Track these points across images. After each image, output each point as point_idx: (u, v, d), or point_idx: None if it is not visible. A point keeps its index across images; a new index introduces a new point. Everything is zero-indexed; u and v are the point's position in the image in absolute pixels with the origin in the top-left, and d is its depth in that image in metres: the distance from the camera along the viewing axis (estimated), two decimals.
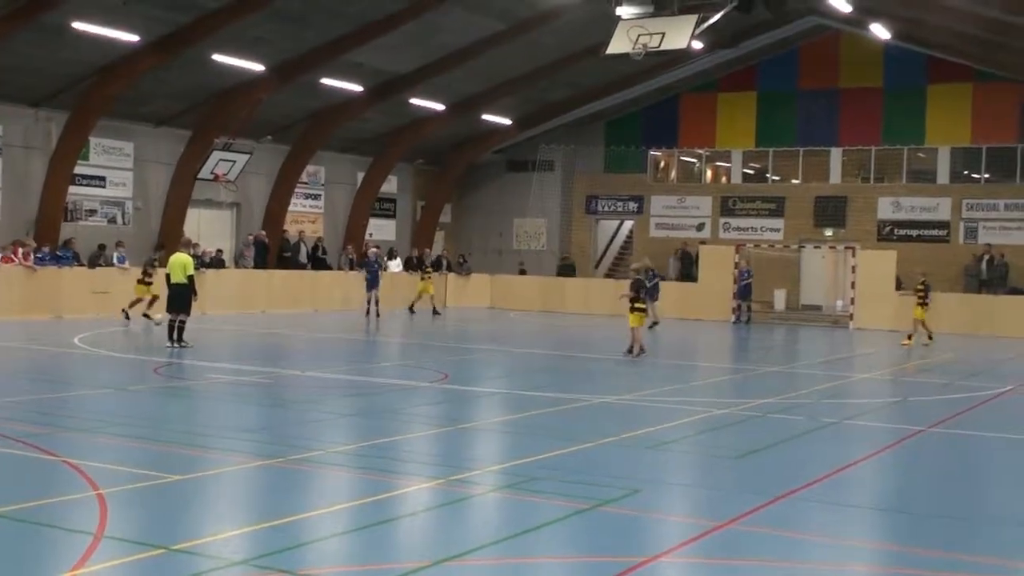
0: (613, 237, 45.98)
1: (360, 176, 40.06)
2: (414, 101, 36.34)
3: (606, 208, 44.02)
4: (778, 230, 40.66)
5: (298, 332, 26.47)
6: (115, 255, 29.54)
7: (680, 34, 24.83)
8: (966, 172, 38.88)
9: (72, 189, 30.38)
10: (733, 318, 35.49)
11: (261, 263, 34.27)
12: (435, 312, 34.28)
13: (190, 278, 21.00)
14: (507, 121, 40.88)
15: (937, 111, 38.59)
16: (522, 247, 44.55)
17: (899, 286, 35.06)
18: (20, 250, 27.23)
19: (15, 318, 25.64)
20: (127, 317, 26.49)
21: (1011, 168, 37.82)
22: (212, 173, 32.87)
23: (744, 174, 42.18)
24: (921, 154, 39.46)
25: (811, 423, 14.07)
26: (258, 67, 30.51)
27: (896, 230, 38.97)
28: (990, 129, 37.80)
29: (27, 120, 29.76)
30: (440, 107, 37.52)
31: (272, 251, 35.38)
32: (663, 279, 34.64)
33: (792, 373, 21.69)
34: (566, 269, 41.94)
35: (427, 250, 38.98)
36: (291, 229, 37.39)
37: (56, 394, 14.85)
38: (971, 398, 17.30)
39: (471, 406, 15.43)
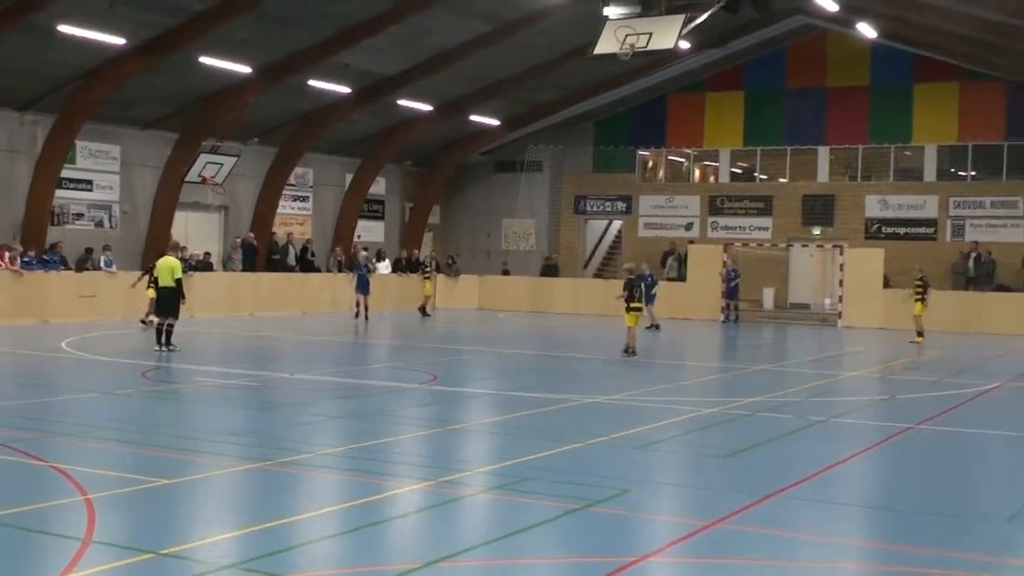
0: (602, 237, 45.99)
1: (348, 178, 40.02)
2: (402, 102, 36.31)
3: (595, 208, 44.04)
4: (766, 229, 40.72)
5: (287, 335, 26.43)
6: (102, 259, 29.47)
7: (667, 34, 24.84)
8: (953, 170, 38.98)
9: (59, 193, 30.27)
10: (722, 317, 35.53)
11: (249, 266, 34.20)
12: (424, 313, 34.28)
13: (178, 282, 20.97)
14: (495, 122, 40.88)
15: (924, 109, 38.69)
16: (511, 248, 44.56)
17: (887, 284, 35.16)
18: (6, 254, 27.12)
19: (1, 323, 25.54)
20: (144, 323, 26.07)
21: (997, 166, 37.93)
22: (199, 176, 32.78)
23: (732, 173, 42.23)
24: (908, 152, 39.56)
25: (799, 421, 14.09)
26: (245, 69, 30.45)
27: (883, 228, 39.06)
28: (976, 127, 37.91)
29: (12, 124, 29.66)
30: (428, 108, 37.50)
31: (260, 254, 35.31)
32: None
33: (780, 372, 21.72)
34: (549, 269, 41.94)
35: (423, 251, 39.05)
36: (279, 231, 37.33)
37: (43, 399, 14.79)
38: (958, 395, 17.35)
39: (461, 407, 15.43)
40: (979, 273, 35.96)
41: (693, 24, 25.40)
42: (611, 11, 25.63)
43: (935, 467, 11.71)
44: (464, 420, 14.18)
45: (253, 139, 35.45)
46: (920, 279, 28.01)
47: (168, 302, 20.95)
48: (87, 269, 29.26)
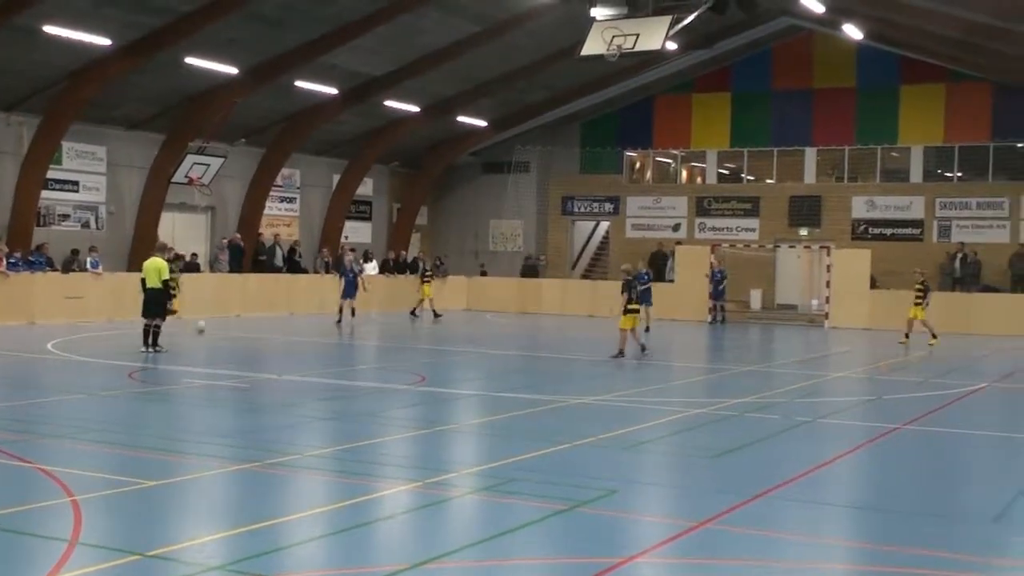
0: (589, 238, 46.03)
1: (336, 179, 39.97)
2: (389, 103, 36.28)
3: (582, 209, 44.08)
4: (753, 230, 40.80)
5: (274, 336, 26.39)
6: (88, 260, 29.39)
7: (654, 35, 24.90)
8: (939, 171, 39.12)
9: (44, 194, 30.16)
10: (709, 318, 35.57)
11: (236, 267, 34.14)
12: (413, 314, 34.26)
13: (165, 283, 20.94)
14: (483, 123, 40.88)
15: (910, 111, 38.81)
16: (498, 248, 44.57)
17: (874, 285, 35.27)
18: None
19: None
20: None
21: (983, 167, 38.07)
22: (186, 177, 32.71)
23: (719, 174, 42.31)
24: (895, 153, 39.68)
25: (786, 422, 14.12)
26: (232, 70, 30.40)
27: (870, 229, 39.17)
28: (962, 128, 38.04)
29: None
30: (416, 109, 37.48)
31: (247, 255, 35.25)
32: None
33: (768, 372, 21.76)
34: (529, 270, 41.94)
35: (410, 252, 38.90)
36: (266, 232, 37.27)
37: (29, 400, 14.73)
38: (945, 395, 17.40)
39: (448, 408, 15.42)
40: (965, 274, 36.09)
41: (680, 25, 25.46)
42: (598, 12, 25.68)
43: (921, 467, 11.75)
44: (452, 421, 14.17)
45: (240, 140, 35.40)
46: (921, 282, 28.05)
47: (155, 304, 20.91)
48: (73, 270, 29.18)
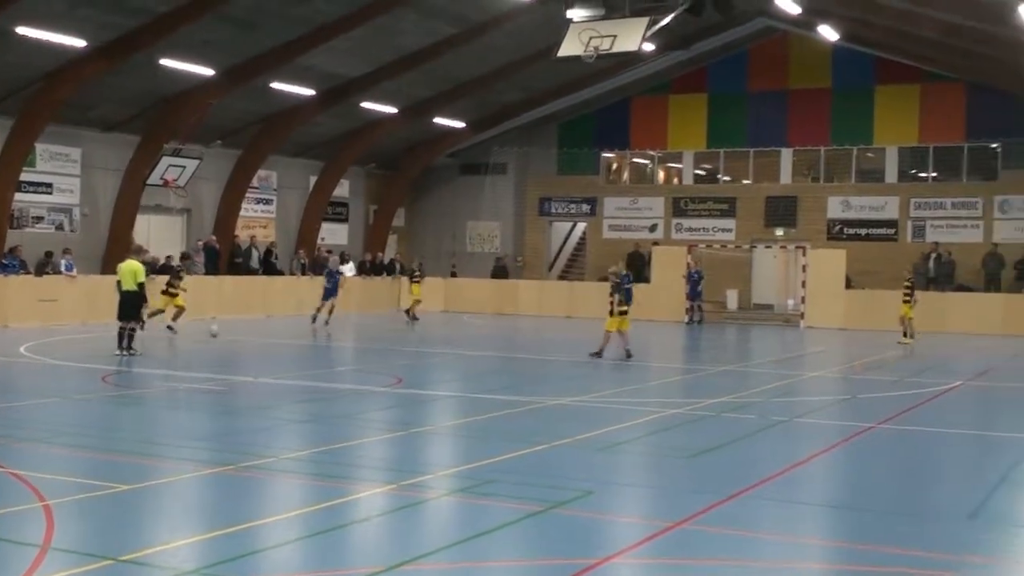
0: (566, 239, 46.06)
1: (312, 180, 39.86)
2: (366, 105, 36.21)
3: (559, 210, 44.10)
4: (730, 230, 40.91)
5: (250, 338, 26.28)
6: (62, 262, 29.19)
7: (631, 36, 24.93)
8: (913, 171, 39.33)
9: (18, 196, 29.93)
10: (686, 319, 35.62)
11: (212, 269, 33.99)
12: (414, 318, 33.87)
13: (140, 285, 20.83)
14: (460, 124, 40.85)
15: (885, 111, 39.00)
16: (476, 250, 44.53)
17: (849, 285, 35.42)
18: None
19: None
20: (172, 329, 25.24)
21: (957, 167, 38.29)
22: (162, 179, 32.58)
23: (695, 175, 42.43)
24: (870, 154, 39.86)
25: (763, 421, 14.15)
26: (207, 71, 30.27)
27: (846, 229, 39.34)
28: (937, 129, 38.26)
29: None
30: (392, 111, 37.42)
31: (223, 257, 35.11)
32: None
33: (744, 372, 21.82)
34: (500, 271, 41.92)
35: (387, 253, 38.77)
36: (242, 234, 37.12)
37: (2, 404, 14.61)
38: (919, 394, 17.49)
39: (425, 410, 15.39)
40: (939, 273, 36.29)
41: (657, 27, 25.51)
42: (575, 13, 25.70)
43: (896, 466, 11.79)
44: (428, 423, 14.14)
45: (216, 141, 35.26)
46: (909, 280, 28.18)
47: (130, 306, 20.79)
48: (47, 273, 28.98)
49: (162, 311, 25.16)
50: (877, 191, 39.09)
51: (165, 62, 28.99)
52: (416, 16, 30.34)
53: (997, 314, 33.28)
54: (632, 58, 31.39)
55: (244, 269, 35.86)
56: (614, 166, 44.06)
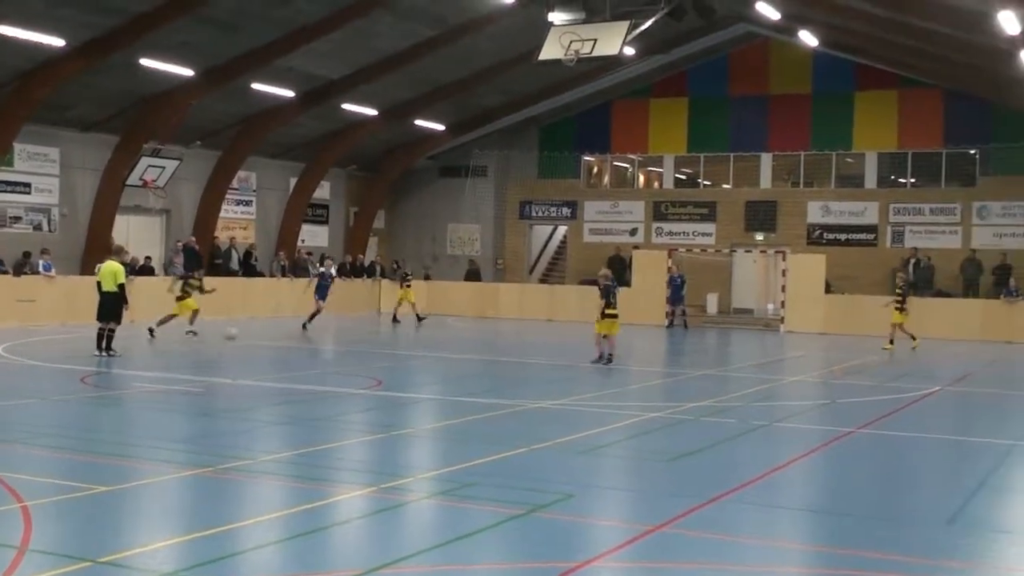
0: (547, 242, 46.08)
1: (292, 182, 39.77)
2: (347, 106, 36.16)
3: (540, 213, 44.12)
4: (710, 234, 41.01)
5: (230, 340, 26.17)
6: (40, 263, 29.05)
7: (612, 40, 24.98)
8: (893, 177, 39.50)
9: None
10: (667, 322, 35.68)
11: (192, 270, 33.77)
12: (419, 319, 33.81)
13: (121, 286, 20.73)
14: (440, 127, 40.84)
15: (864, 117, 39.18)
16: (456, 252, 44.51)
17: (828, 289, 35.54)
18: None
19: None
20: (193, 332, 25.39)
21: (936, 173, 38.48)
22: (141, 179, 32.45)
23: (676, 179, 42.53)
24: (849, 159, 40.03)
25: (742, 426, 14.18)
26: (187, 72, 30.17)
27: (825, 234, 39.48)
28: (915, 135, 38.46)
29: None
30: (373, 113, 37.38)
31: (203, 258, 34.94)
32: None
33: (724, 376, 21.87)
34: (473, 274, 41.89)
35: (367, 256, 38.67)
36: (222, 235, 37.00)
37: None
38: (899, 399, 17.56)
39: (405, 412, 15.36)
40: (918, 279, 36.43)
41: (638, 31, 25.57)
42: (556, 17, 25.74)
43: (875, 471, 11.82)
44: (408, 425, 14.11)
45: (195, 142, 35.15)
46: (901, 287, 28.29)
47: (110, 307, 20.70)
48: (25, 273, 28.84)
49: (197, 310, 25.18)
50: (857, 196, 39.25)
51: (145, 62, 28.88)
52: (395, 18, 30.31)
53: (975, 319, 33.49)
54: (613, 62, 31.44)
55: (224, 270, 35.73)
56: (595, 170, 44.12)
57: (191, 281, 26.05)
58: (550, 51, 25.75)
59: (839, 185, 39.83)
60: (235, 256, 36.52)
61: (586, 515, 9.15)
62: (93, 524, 8.35)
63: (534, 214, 44.19)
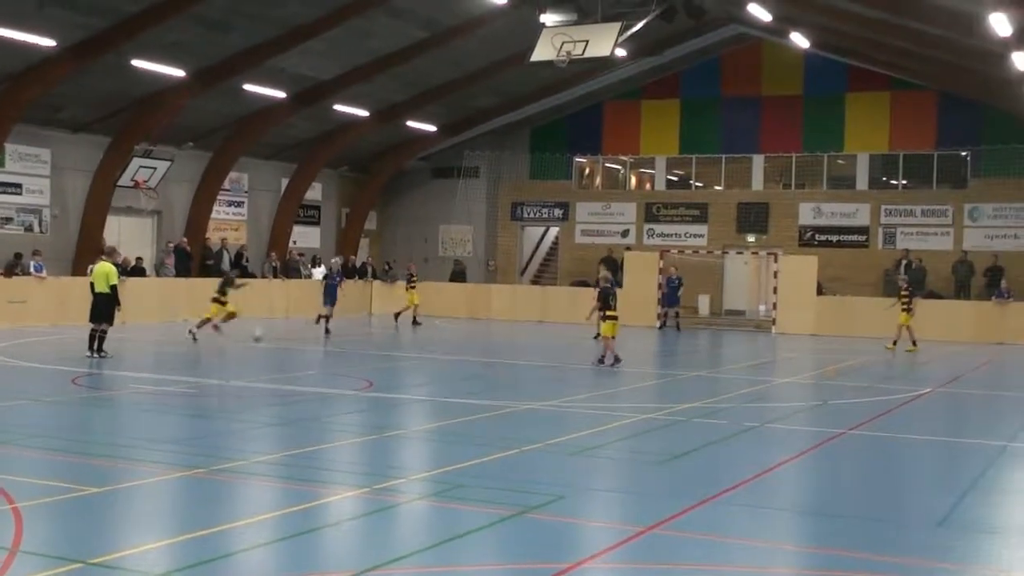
0: (539, 244, 46.09)
1: (284, 183, 39.73)
2: (338, 108, 36.15)
3: (531, 215, 44.13)
4: (702, 236, 41.05)
5: (221, 341, 26.14)
6: (32, 264, 28.98)
7: (604, 42, 25.02)
8: (884, 179, 39.58)
9: None
10: (658, 324, 35.67)
11: (183, 271, 33.81)
12: (415, 322, 33.72)
13: (113, 288, 20.69)
14: (432, 128, 40.84)
15: (856, 118, 39.25)
16: (448, 254, 44.48)
17: (820, 291, 35.58)
18: None
19: None
20: (216, 330, 25.27)
21: (927, 174, 38.56)
22: (132, 180, 32.41)
23: (668, 181, 42.55)
24: (841, 161, 40.09)
25: (734, 427, 14.19)
26: (179, 72, 30.13)
27: (817, 236, 39.54)
28: (907, 136, 38.53)
29: None
30: (365, 114, 37.37)
31: (194, 259, 34.93)
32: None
33: (715, 378, 21.89)
34: (458, 275, 41.89)
35: (359, 257, 38.60)
36: (213, 237, 36.95)
37: None
38: (890, 401, 17.58)
39: (396, 414, 15.36)
40: (910, 280, 36.44)
41: (629, 32, 25.61)
42: (548, 18, 25.78)
43: (867, 472, 11.85)
44: (399, 427, 14.10)
45: (187, 143, 35.10)
46: (906, 289, 28.38)
47: (103, 308, 20.66)
48: (16, 274, 28.76)
49: (209, 319, 25.27)
50: (848, 198, 39.31)
51: (136, 63, 28.84)
52: (388, 19, 30.30)
53: (967, 321, 33.56)
54: (605, 63, 31.49)
55: (215, 272, 35.64)
56: (587, 171, 44.15)
57: (230, 283, 26.04)
58: (542, 52, 25.78)
59: (831, 187, 39.88)
60: (226, 257, 36.46)
61: (577, 516, 9.15)
62: (85, 525, 8.34)
63: (526, 215, 44.20)
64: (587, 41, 25.06)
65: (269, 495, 9.74)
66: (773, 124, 40.08)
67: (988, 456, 12.68)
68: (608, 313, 21.58)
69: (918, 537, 8.80)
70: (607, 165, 43.76)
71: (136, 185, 32.52)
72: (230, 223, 38.38)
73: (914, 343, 27.96)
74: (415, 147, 42.56)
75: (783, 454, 12.31)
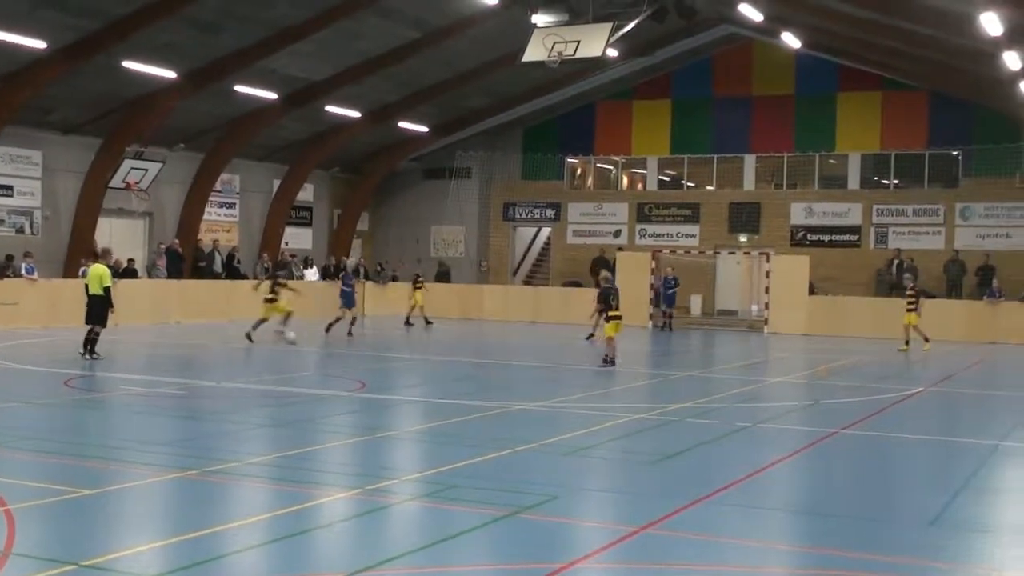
0: (531, 244, 46.09)
1: (276, 184, 39.70)
2: (330, 109, 36.13)
3: (523, 215, 44.14)
4: (694, 236, 41.09)
5: (213, 343, 26.12)
6: (23, 266, 28.93)
7: (595, 42, 25.03)
8: (876, 178, 39.65)
9: None
10: (650, 324, 35.67)
11: (175, 273, 33.76)
12: (407, 323, 33.68)
13: (106, 290, 20.65)
14: (424, 129, 40.83)
15: (847, 118, 39.32)
16: (440, 254, 44.47)
17: (812, 291, 35.62)
18: None
19: None
20: (251, 339, 25.20)
21: (919, 174, 38.64)
22: (124, 182, 32.36)
23: (660, 181, 42.59)
24: (832, 160, 40.15)
25: (726, 427, 14.20)
26: (170, 74, 30.10)
27: (809, 235, 39.59)
28: (899, 136, 38.60)
29: None
30: (356, 115, 37.35)
31: (186, 261, 34.88)
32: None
33: (708, 377, 21.91)
34: (443, 276, 41.90)
35: (351, 258, 38.58)
36: (205, 238, 36.90)
37: None
38: (882, 400, 17.61)
39: (389, 414, 15.35)
40: (902, 280, 36.54)
41: (620, 32, 25.61)
42: (539, 19, 25.78)
43: (859, 472, 11.86)
44: (392, 428, 14.09)
45: (179, 145, 35.06)
46: (912, 289, 28.44)
47: (96, 310, 20.63)
48: (8, 276, 28.71)
49: (265, 320, 25.37)
50: (840, 198, 39.37)
51: (127, 64, 28.81)
52: (379, 20, 30.30)
53: (958, 320, 33.59)
54: (596, 64, 31.51)
55: (207, 273, 35.65)
56: (578, 171, 44.17)
57: (280, 283, 26.01)
58: (533, 53, 25.79)
59: (822, 186, 39.95)
60: (218, 258, 36.44)
61: (571, 516, 9.15)
62: (77, 527, 8.32)
63: (518, 216, 44.21)
64: (578, 41, 25.07)
65: (262, 496, 9.73)
66: (764, 124, 40.13)
67: (980, 455, 12.71)
68: (610, 313, 21.58)
69: (910, 536, 8.81)
70: (599, 165, 43.79)
71: (128, 187, 32.49)
72: (222, 224, 38.35)
73: (907, 343, 27.99)
74: (407, 148, 42.56)
75: (775, 454, 12.32)
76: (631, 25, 25.87)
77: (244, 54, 30.27)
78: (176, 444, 12.14)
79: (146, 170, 32.68)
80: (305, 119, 36.56)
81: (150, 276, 33.78)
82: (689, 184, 42.22)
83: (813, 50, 37.04)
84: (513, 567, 7.59)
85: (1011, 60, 24.97)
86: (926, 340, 27.97)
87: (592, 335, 27.81)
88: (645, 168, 42.76)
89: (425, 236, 45.05)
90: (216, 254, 36.48)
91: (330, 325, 28.95)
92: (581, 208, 42.95)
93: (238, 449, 11.87)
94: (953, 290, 36.46)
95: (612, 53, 28.55)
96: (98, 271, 20.86)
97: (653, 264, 36.32)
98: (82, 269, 27.36)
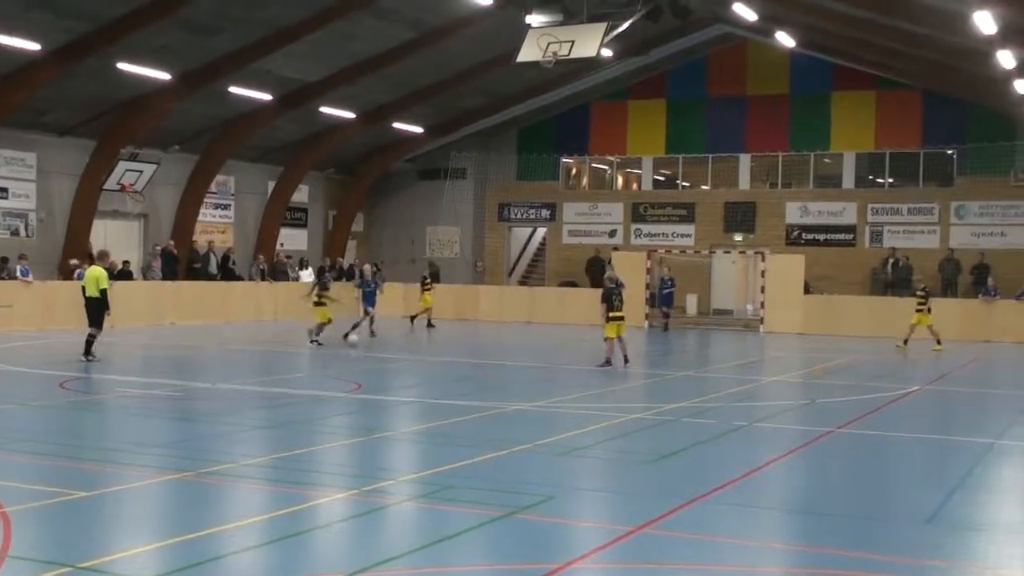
0: (526, 244, 46.09)
1: (271, 185, 39.69)
2: (325, 110, 36.11)
3: (519, 215, 44.13)
4: (689, 236, 41.10)
5: (209, 344, 26.11)
6: (18, 268, 28.88)
7: (590, 42, 25.03)
8: (871, 177, 39.68)
9: None
10: (646, 324, 35.64)
11: (170, 274, 33.73)
12: (427, 322, 33.64)
13: (103, 292, 20.64)
14: (419, 129, 40.81)
15: (842, 117, 39.34)
16: (436, 255, 44.45)
17: (807, 290, 35.63)
18: None
19: None
20: (317, 342, 25.20)
21: (913, 173, 38.67)
22: (118, 184, 32.32)
23: (655, 180, 42.59)
24: (827, 159, 40.18)
25: (723, 426, 14.21)
26: (164, 75, 30.07)
27: (804, 235, 39.61)
28: (893, 135, 38.62)
29: None
30: (351, 115, 37.33)
31: (181, 262, 34.85)
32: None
33: (704, 377, 21.92)
34: (434, 277, 41.71)
35: (346, 259, 38.54)
36: (200, 239, 36.88)
37: None
38: (878, 399, 17.62)
39: (385, 415, 15.35)
40: (896, 278, 36.61)
41: (615, 32, 25.63)
42: (534, 19, 25.79)
43: (855, 470, 11.87)
44: (389, 428, 14.10)
45: (173, 146, 35.04)
46: (922, 289, 28.48)
47: (93, 312, 20.62)
48: (2, 278, 28.67)
49: (330, 320, 25.41)
50: (835, 197, 39.39)
51: (122, 66, 28.77)
52: (373, 21, 30.27)
53: (953, 319, 33.54)
54: (591, 64, 31.51)
55: (202, 274, 35.62)
56: (573, 171, 44.18)
57: (326, 288, 26.02)
58: (528, 53, 25.79)
59: (817, 185, 39.97)
60: (213, 260, 36.41)
61: (567, 516, 9.16)
62: (73, 529, 8.31)
63: (513, 216, 44.20)
64: (573, 41, 25.07)
65: (258, 498, 9.73)
66: (759, 123, 40.15)
67: (976, 453, 12.73)
68: (612, 314, 21.52)
69: (906, 535, 8.82)
70: (594, 165, 43.79)
71: (122, 188, 32.45)
72: (217, 226, 38.32)
73: (905, 342, 28.02)
74: (402, 149, 42.54)
75: (771, 453, 12.33)
76: (625, 25, 25.88)
77: (238, 55, 30.24)
78: (172, 446, 12.14)
79: (141, 172, 32.64)
80: (300, 120, 36.54)
81: (145, 278, 33.75)
82: (684, 184, 42.23)
83: (807, 49, 37.06)
84: (510, 567, 7.59)
85: (1005, 58, 24.99)
86: (938, 341, 27.99)
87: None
88: (640, 168, 42.77)
89: (420, 237, 45.03)
90: (211, 255, 36.44)
91: (364, 327, 28.36)
92: (576, 208, 42.95)
93: (234, 450, 11.87)
94: (948, 289, 36.48)
95: (607, 53, 28.55)
96: (94, 273, 20.85)
97: (648, 264, 36.30)
98: (77, 272, 27.32)
